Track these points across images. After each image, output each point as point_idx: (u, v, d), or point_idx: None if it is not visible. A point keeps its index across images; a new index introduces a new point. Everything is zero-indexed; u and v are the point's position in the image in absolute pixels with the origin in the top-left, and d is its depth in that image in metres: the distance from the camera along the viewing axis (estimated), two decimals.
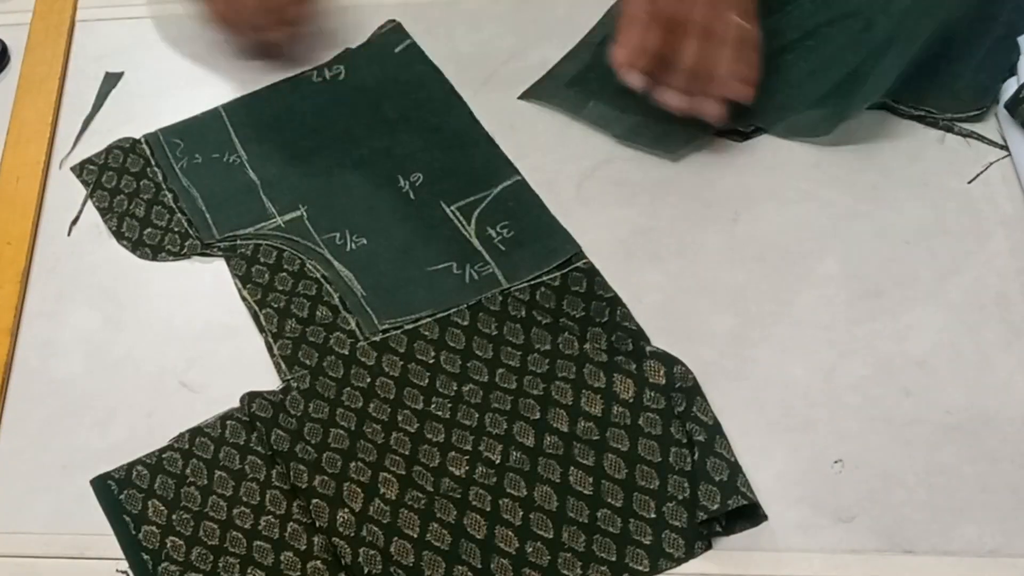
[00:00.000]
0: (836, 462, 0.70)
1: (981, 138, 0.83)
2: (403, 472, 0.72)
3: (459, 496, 0.71)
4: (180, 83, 0.96)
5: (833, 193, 0.82)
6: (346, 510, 0.70)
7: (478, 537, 0.69)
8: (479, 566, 0.68)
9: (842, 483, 0.69)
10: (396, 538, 0.69)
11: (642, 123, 0.86)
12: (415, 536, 0.69)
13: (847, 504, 0.68)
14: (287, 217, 0.85)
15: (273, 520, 0.71)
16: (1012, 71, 0.84)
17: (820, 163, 0.84)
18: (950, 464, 0.69)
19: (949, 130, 0.84)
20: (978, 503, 0.67)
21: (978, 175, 0.81)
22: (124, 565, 0.70)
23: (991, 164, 0.81)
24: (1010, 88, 0.82)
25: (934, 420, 0.71)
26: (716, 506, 0.66)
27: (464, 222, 0.84)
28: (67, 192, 0.90)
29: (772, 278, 0.78)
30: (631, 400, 0.72)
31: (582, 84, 0.90)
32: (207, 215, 0.86)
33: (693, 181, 0.84)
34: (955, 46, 0.87)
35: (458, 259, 0.82)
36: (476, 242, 0.82)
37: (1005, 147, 0.82)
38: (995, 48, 0.86)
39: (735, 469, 0.68)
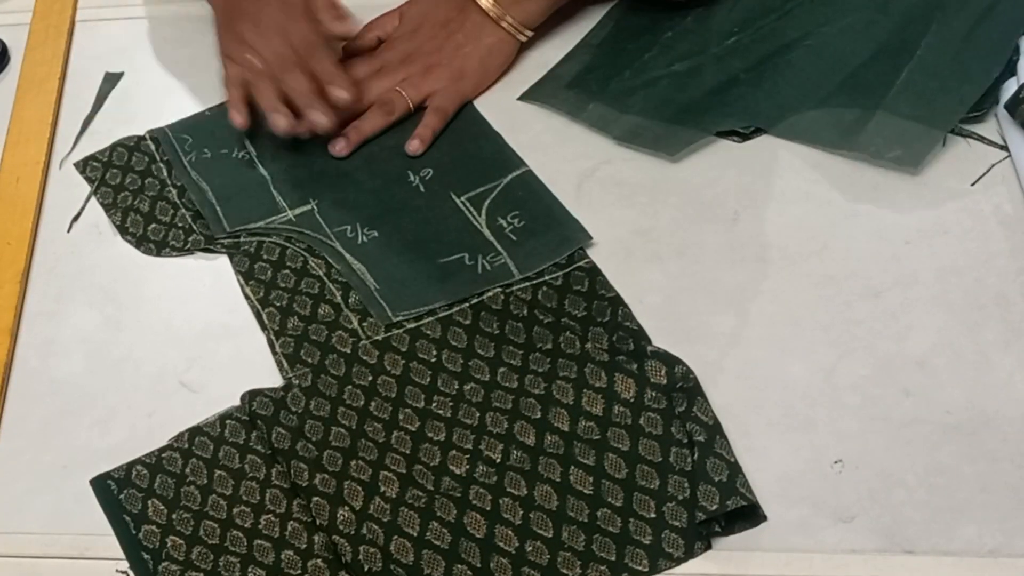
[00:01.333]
0: (836, 462, 0.70)
1: (981, 139, 0.83)
2: (403, 471, 0.72)
3: (459, 495, 0.71)
4: (180, 83, 0.96)
5: (833, 193, 0.82)
6: (346, 508, 0.70)
7: (478, 536, 0.69)
8: (479, 565, 0.68)
9: (842, 483, 0.69)
10: (396, 536, 0.69)
11: (642, 124, 0.87)
12: (415, 535, 0.69)
13: (847, 504, 0.68)
14: (298, 211, 0.86)
15: (273, 519, 0.71)
16: (1012, 71, 0.84)
17: (820, 163, 0.84)
18: (950, 464, 0.69)
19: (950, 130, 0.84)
20: (978, 503, 0.67)
21: (981, 177, 0.81)
22: (124, 565, 0.70)
23: (993, 165, 0.81)
24: (1010, 88, 0.82)
25: (934, 420, 0.71)
26: (715, 507, 0.66)
27: (475, 213, 0.84)
28: (67, 192, 0.90)
29: (772, 278, 0.78)
30: (632, 400, 0.72)
31: (581, 85, 0.90)
32: (218, 208, 0.86)
33: (693, 181, 0.84)
34: (956, 46, 0.87)
35: (470, 250, 0.82)
36: (487, 232, 0.83)
37: (1005, 147, 0.82)
38: (995, 49, 0.86)
39: (735, 470, 0.68)
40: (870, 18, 0.89)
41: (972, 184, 0.81)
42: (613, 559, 0.67)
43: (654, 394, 0.72)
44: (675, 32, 0.92)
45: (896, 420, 0.71)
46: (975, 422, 0.70)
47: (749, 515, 0.68)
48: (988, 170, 0.81)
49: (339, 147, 0.87)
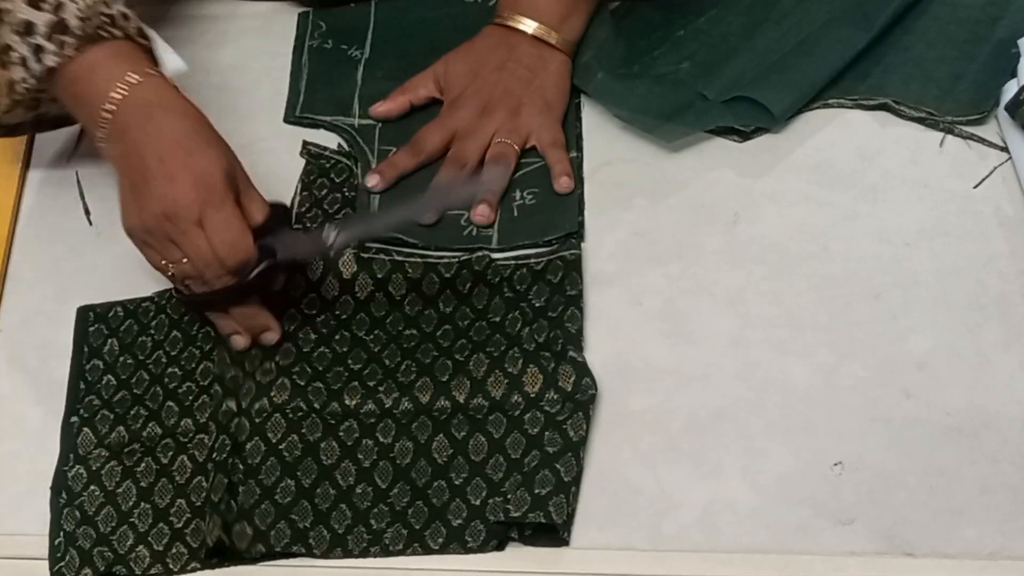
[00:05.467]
0: (836, 464, 0.70)
1: (982, 140, 0.83)
2: (302, 383, 0.74)
3: (332, 422, 0.73)
4: (180, 82, 0.96)
5: (833, 194, 0.82)
6: (233, 402, 0.74)
7: (324, 463, 0.72)
8: (306, 486, 0.71)
9: (842, 485, 0.69)
10: (256, 438, 0.73)
11: (643, 105, 0.86)
12: (272, 442, 0.72)
13: (847, 506, 0.68)
14: (364, 121, 0.87)
15: (193, 388, 0.75)
16: (1012, 73, 0.84)
17: (820, 164, 0.84)
18: (950, 466, 0.69)
19: (950, 132, 0.84)
20: (978, 505, 0.67)
21: (983, 179, 0.81)
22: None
23: (996, 168, 0.81)
24: (1010, 90, 0.82)
25: (934, 422, 0.71)
26: (517, 514, 0.68)
27: None
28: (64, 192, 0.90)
29: (772, 279, 0.78)
30: (533, 395, 0.73)
31: (590, 67, 0.90)
32: (302, 95, 0.90)
33: (693, 182, 0.84)
34: (957, 48, 0.87)
35: (471, 210, 0.82)
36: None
37: (1006, 149, 0.82)
38: (997, 51, 0.86)
39: (560, 489, 0.69)
40: (868, 15, 0.89)
41: (975, 187, 0.81)
42: (417, 527, 0.70)
43: (555, 396, 0.73)
44: (687, 31, 0.92)
45: (896, 422, 0.71)
46: (975, 424, 0.70)
47: (554, 534, 0.68)
48: (990, 172, 0.81)
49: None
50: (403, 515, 0.70)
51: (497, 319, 0.77)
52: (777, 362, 0.74)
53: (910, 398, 0.72)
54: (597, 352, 0.76)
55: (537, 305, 0.77)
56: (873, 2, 0.89)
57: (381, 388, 0.74)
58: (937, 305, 0.76)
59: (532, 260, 0.80)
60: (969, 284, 0.76)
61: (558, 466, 0.69)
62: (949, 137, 0.84)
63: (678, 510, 0.69)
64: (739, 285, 0.78)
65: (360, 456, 0.72)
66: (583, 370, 0.73)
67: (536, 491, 0.68)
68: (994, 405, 0.71)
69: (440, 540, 0.69)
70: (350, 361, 0.76)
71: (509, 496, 0.69)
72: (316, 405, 0.74)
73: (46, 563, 0.71)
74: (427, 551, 0.69)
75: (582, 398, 0.72)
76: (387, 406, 0.74)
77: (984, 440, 0.70)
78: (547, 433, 0.71)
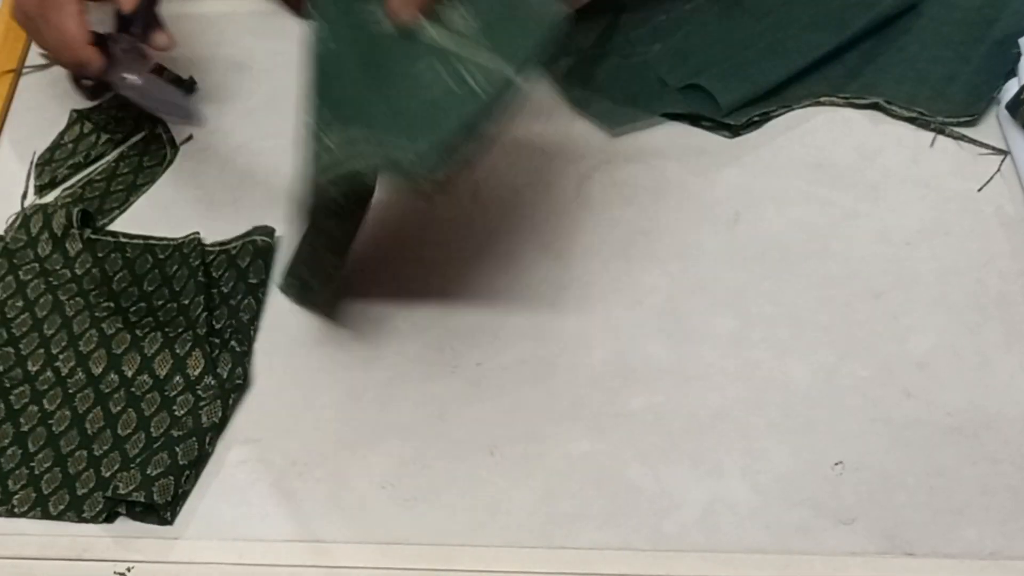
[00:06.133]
0: (837, 464, 0.70)
1: (973, 141, 0.83)
2: (11, 349, 0.77)
3: (8, 386, 0.76)
4: None
5: (833, 193, 0.82)
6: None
7: None
8: None
9: (843, 485, 0.69)
10: None
11: (602, 87, 0.87)
12: None
13: (848, 506, 0.68)
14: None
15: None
16: (1012, 72, 0.84)
17: (820, 163, 0.83)
18: (950, 466, 0.69)
19: (941, 132, 0.84)
20: (978, 505, 0.67)
21: (988, 182, 0.81)
22: (122, 567, 0.70)
23: (999, 168, 0.81)
24: (1011, 89, 0.82)
25: (935, 422, 0.71)
26: (124, 491, 0.70)
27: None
28: None
29: (772, 279, 0.78)
30: (193, 378, 0.75)
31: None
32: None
33: (693, 182, 0.84)
34: (952, 49, 0.87)
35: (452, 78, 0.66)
36: (449, 43, 0.67)
37: (999, 150, 0.82)
38: (992, 52, 0.86)
39: (171, 471, 0.70)
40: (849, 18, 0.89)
41: (979, 190, 0.81)
42: (46, 492, 0.72)
43: (211, 382, 0.75)
44: (668, 17, 0.92)
45: (897, 422, 0.71)
46: (976, 424, 0.70)
47: (159, 514, 0.70)
48: (993, 175, 0.81)
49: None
50: (38, 480, 0.72)
51: (187, 302, 0.79)
52: (777, 362, 0.74)
53: (910, 398, 0.72)
54: (597, 352, 0.76)
55: (225, 291, 0.79)
56: (852, 8, 0.89)
57: (62, 356, 0.77)
58: (937, 305, 0.75)
59: (231, 245, 0.81)
60: (970, 284, 0.76)
61: (177, 449, 0.71)
62: (951, 137, 0.84)
63: (678, 510, 0.69)
64: (739, 284, 0.78)
65: (22, 421, 0.75)
66: (239, 359, 0.76)
67: (148, 471, 0.70)
68: (995, 405, 0.71)
69: (61, 507, 0.71)
70: (45, 326, 0.78)
71: (124, 473, 0.71)
72: (0, 368, 0.77)
73: (46, 563, 0.71)
74: (46, 516, 0.71)
75: (229, 386, 0.74)
76: (63, 374, 0.76)
77: (984, 440, 0.70)
78: (185, 417, 0.73)
